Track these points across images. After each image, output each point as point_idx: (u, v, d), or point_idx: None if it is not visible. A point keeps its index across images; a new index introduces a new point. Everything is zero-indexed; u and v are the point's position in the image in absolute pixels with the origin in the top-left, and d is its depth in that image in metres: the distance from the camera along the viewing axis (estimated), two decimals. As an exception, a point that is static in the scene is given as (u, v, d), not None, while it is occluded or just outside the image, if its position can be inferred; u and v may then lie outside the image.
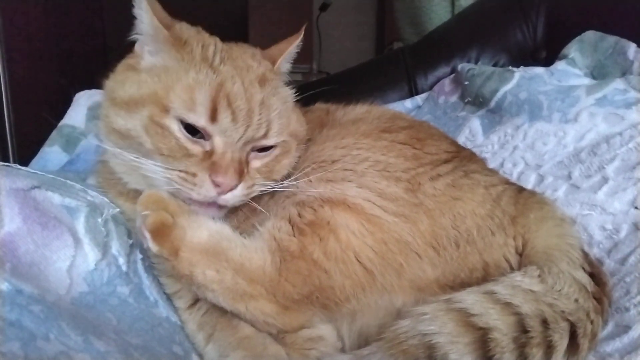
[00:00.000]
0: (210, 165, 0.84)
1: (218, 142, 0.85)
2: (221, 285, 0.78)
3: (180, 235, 0.78)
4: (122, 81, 0.90)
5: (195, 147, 0.84)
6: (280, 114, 0.91)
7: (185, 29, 0.92)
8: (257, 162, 0.91)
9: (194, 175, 0.84)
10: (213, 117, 0.83)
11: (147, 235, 0.76)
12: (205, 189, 0.84)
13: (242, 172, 0.86)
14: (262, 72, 0.92)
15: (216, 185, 0.84)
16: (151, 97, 0.85)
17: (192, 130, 0.84)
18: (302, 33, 1.00)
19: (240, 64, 0.91)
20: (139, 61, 0.91)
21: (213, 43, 0.92)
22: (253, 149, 0.90)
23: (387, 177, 0.87)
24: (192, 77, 0.84)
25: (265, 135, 0.89)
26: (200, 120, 0.83)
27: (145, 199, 0.81)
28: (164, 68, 0.87)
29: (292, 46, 0.99)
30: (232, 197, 0.86)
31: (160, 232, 0.77)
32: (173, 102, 0.83)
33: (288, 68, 1.02)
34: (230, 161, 0.85)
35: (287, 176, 0.96)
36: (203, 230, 0.81)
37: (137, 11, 0.88)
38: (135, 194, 0.90)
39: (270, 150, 0.92)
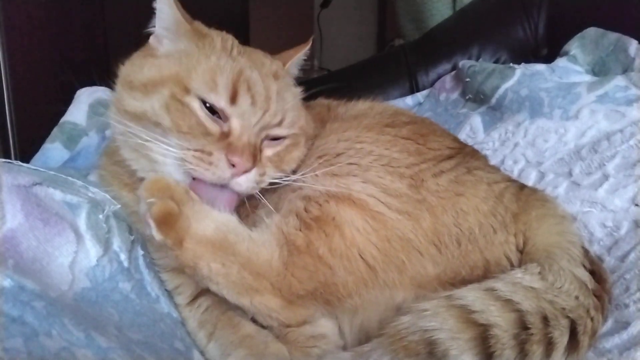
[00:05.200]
0: (227, 145, 0.84)
1: (235, 124, 0.86)
2: (226, 278, 0.78)
3: (186, 225, 0.77)
4: (140, 65, 0.91)
5: (214, 126, 0.85)
6: (293, 107, 0.94)
7: (202, 25, 0.95)
8: (269, 150, 0.92)
9: (209, 154, 0.83)
10: (233, 99, 0.85)
11: (152, 223, 0.75)
12: (221, 169, 0.83)
13: (256, 156, 0.87)
14: (275, 69, 0.96)
15: (231, 165, 0.83)
16: (172, 77, 0.86)
17: (211, 111, 0.85)
18: (310, 42, 1.04)
19: (255, 59, 0.94)
20: (155, 50, 0.93)
21: (231, 38, 0.95)
22: (266, 137, 0.91)
23: (391, 172, 0.88)
24: (214, 61, 0.87)
25: (280, 124, 0.91)
26: (220, 101, 0.85)
27: (150, 185, 0.79)
28: (185, 52, 0.89)
29: (300, 53, 1.03)
30: (246, 181, 0.85)
31: (166, 221, 0.76)
32: (195, 82, 0.85)
33: (295, 73, 1.06)
34: (247, 143, 0.85)
35: (293, 171, 0.96)
36: (209, 222, 0.80)
37: (158, 5, 0.90)
38: (141, 183, 0.90)
39: (282, 140, 0.93)
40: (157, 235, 0.76)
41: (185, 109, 0.84)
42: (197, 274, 0.78)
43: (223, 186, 0.85)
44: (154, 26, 0.92)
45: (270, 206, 0.89)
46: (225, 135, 0.85)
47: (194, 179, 0.85)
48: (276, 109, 0.89)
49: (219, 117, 0.86)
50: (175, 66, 0.87)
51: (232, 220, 0.83)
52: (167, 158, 0.85)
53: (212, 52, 0.88)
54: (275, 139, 0.93)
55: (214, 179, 0.83)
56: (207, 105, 0.85)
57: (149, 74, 0.88)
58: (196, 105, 0.85)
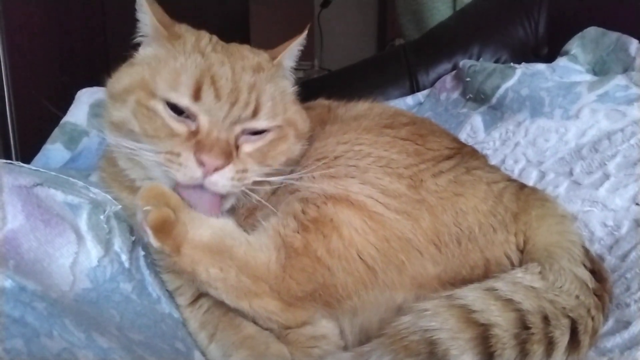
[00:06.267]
0: (195, 144, 0.82)
1: (203, 120, 0.84)
2: (225, 283, 0.78)
3: (183, 231, 0.78)
4: (119, 76, 0.92)
5: (180, 127, 0.84)
6: (273, 99, 0.90)
7: (185, 27, 0.94)
8: (248, 146, 0.88)
9: (178, 154, 0.82)
10: (196, 95, 0.83)
11: (149, 231, 0.76)
12: (190, 169, 0.81)
13: (229, 153, 0.84)
14: (257, 62, 0.93)
15: (201, 164, 0.81)
16: (139, 83, 0.87)
17: (178, 111, 0.84)
18: (306, 32, 0.99)
19: (235, 54, 0.92)
20: (134, 58, 0.93)
21: (208, 37, 0.94)
22: (244, 132, 0.88)
23: (390, 174, 0.87)
24: (181, 62, 0.86)
25: (254, 116, 0.87)
26: (183, 99, 0.83)
27: (146, 193, 0.80)
28: (155, 57, 0.89)
29: (293, 42, 0.98)
30: (221, 179, 0.83)
31: (162, 228, 0.76)
32: (158, 84, 0.84)
33: (292, 65, 1.01)
34: (216, 140, 0.83)
35: (290, 172, 0.96)
36: (205, 227, 0.80)
37: (139, 15, 0.91)
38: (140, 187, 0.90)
39: (264, 134, 0.90)
40: (154, 242, 0.76)
41: (150, 112, 0.84)
42: (195, 279, 0.79)
43: (202, 188, 0.83)
44: (140, 35, 0.93)
45: (270, 206, 0.88)
46: (194, 134, 0.84)
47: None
48: (247, 100, 0.86)
49: (188, 117, 0.85)
50: (144, 71, 0.87)
51: (228, 224, 0.83)
52: (148, 163, 0.86)
53: (181, 53, 0.87)
54: (256, 133, 0.89)
55: (186, 180, 0.82)
56: (172, 105, 0.84)
57: (124, 83, 0.89)
58: (160, 108, 0.84)
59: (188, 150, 0.82)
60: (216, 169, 0.82)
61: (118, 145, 0.89)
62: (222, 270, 0.78)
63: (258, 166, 0.89)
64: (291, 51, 0.99)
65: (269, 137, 0.90)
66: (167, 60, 0.87)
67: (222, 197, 0.87)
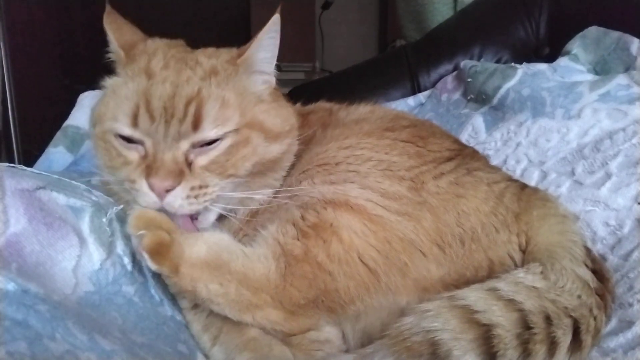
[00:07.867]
0: (145, 169, 0.83)
1: (148, 144, 0.84)
2: (226, 297, 0.78)
3: (179, 251, 0.78)
4: (95, 107, 0.94)
5: (132, 154, 0.85)
6: (224, 103, 0.86)
7: (149, 44, 0.94)
8: (203, 158, 0.85)
9: (134, 181, 0.83)
10: (134, 122, 0.83)
11: (145, 255, 0.76)
12: (146, 194, 0.82)
13: (178, 172, 0.82)
14: (211, 66, 0.89)
15: (152, 188, 0.81)
16: (98, 117, 0.89)
17: (129, 139, 0.85)
18: (278, 15, 0.90)
19: (189, 63, 0.89)
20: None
21: (164, 53, 0.91)
22: (195, 146, 0.85)
23: (390, 177, 0.87)
24: (127, 88, 0.86)
25: (195, 128, 0.83)
26: (124, 128, 0.84)
27: (135, 220, 0.79)
28: (112, 86, 0.90)
29: (261, 32, 0.90)
30: (175, 200, 0.82)
31: (158, 251, 0.76)
32: (106, 116, 0.86)
33: (266, 56, 0.93)
34: (161, 162, 0.82)
35: (283, 177, 0.97)
36: (201, 244, 0.80)
37: (109, 43, 0.92)
38: None
39: (217, 143, 0.86)
40: (152, 265, 0.77)
41: (106, 144, 0.87)
42: (197, 297, 0.79)
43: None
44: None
45: (254, 230, 0.88)
46: (144, 159, 0.84)
47: None
48: (182, 114, 0.83)
49: (138, 143, 0.85)
50: (102, 105, 0.89)
51: (224, 238, 0.83)
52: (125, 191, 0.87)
53: (130, 78, 0.87)
54: (211, 143, 0.85)
55: (147, 204, 0.83)
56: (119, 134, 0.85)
57: (94, 115, 0.92)
58: (112, 138, 0.86)
59: (140, 176, 0.83)
60: (167, 191, 0.82)
61: (105, 178, 0.92)
62: (222, 285, 0.78)
63: (219, 178, 0.86)
64: (260, 42, 0.90)
65: (223, 145, 0.86)
66: (118, 89, 0.88)
67: (194, 215, 0.88)
